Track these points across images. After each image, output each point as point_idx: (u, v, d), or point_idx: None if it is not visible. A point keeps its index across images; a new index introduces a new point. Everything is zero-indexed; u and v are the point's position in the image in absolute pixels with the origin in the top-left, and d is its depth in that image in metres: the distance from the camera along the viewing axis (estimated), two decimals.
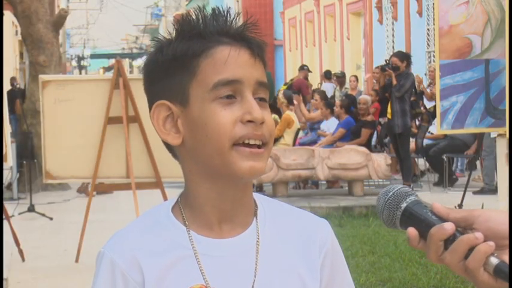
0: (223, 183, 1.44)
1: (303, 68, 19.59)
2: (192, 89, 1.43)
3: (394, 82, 12.20)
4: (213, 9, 1.46)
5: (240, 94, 1.42)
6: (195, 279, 1.43)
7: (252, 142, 1.42)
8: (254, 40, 1.46)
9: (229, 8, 1.48)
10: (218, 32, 1.44)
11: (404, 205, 1.32)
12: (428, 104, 14.48)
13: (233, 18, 1.46)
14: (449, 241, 1.27)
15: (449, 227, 1.27)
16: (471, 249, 1.25)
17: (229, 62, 1.42)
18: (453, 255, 1.26)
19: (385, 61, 13.20)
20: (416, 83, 13.84)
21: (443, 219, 1.29)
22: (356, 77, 18.54)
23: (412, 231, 1.30)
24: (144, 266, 1.43)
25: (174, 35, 1.47)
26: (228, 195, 1.46)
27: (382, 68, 13.05)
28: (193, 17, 1.46)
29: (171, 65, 1.45)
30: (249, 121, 1.41)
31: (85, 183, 12.32)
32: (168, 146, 1.51)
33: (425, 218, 1.30)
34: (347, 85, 18.78)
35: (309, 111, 15.73)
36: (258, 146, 1.42)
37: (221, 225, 1.47)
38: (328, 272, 1.53)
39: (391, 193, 1.34)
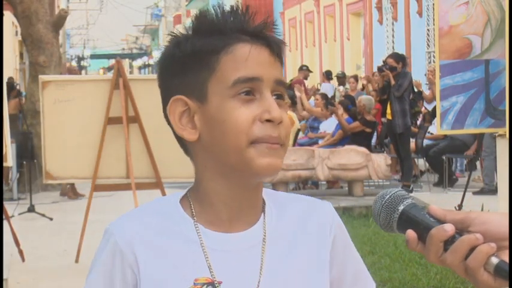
0: (236, 181, 1.44)
1: (303, 69, 19.60)
2: (210, 85, 1.43)
3: (393, 82, 12.23)
4: (232, 7, 1.46)
5: (259, 92, 1.42)
6: (201, 271, 1.44)
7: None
8: (273, 39, 1.46)
9: (248, 6, 1.48)
10: (238, 30, 1.44)
11: (401, 207, 1.33)
12: (429, 107, 14.48)
13: (252, 17, 1.46)
14: (448, 242, 1.28)
15: (449, 228, 1.28)
16: (471, 250, 1.26)
17: (250, 59, 1.42)
18: (454, 255, 1.27)
19: (382, 62, 13.22)
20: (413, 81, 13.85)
21: (440, 221, 1.30)
22: (356, 77, 18.56)
23: (411, 233, 1.31)
24: (138, 254, 1.44)
25: (191, 30, 1.46)
26: (239, 194, 1.46)
27: (379, 69, 13.07)
28: (212, 14, 1.46)
29: (189, 61, 1.44)
30: (268, 120, 1.41)
31: (68, 185, 12.35)
32: (181, 142, 1.50)
33: (423, 220, 1.31)
34: (347, 85, 18.79)
35: None
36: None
37: (230, 221, 1.47)
38: (341, 251, 1.55)
39: (388, 196, 1.34)
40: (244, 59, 1.42)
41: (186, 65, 1.45)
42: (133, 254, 1.44)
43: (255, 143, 1.40)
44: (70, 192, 12.46)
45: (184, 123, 1.45)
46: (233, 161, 1.42)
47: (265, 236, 1.48)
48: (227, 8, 1.47)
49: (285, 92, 1.47)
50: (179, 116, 1.46)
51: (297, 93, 14.01)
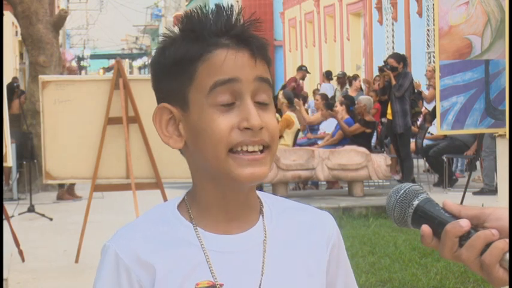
0: (226, 185, 1.44)
1: (302, 69, 19.60)
2: (191, 94, 1.42)
3: (393, 82, 12.23)
4: (216, 7, 1.44)
5: (239, 97, 1.40)
6: (203, 274, 1.43)
7: (250, 149, 1.40)
8: (254, 40, 1.43)
9: (231, 5, 1.46)
10: (217, 34, 1.42)
11: (416, 202, 1.32)
12: (429, 107, 14.47)
13: (235, 17, 1.43)
14: (463, 238, 1.28)
15: (465, 223, 1.28)
16: (487, 246, 1.26)
17: (226, 63, 1.40)
18: (470, 251, 1.27)
19: (383, 62, 13.22)
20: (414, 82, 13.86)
21: (455, 217, 1.30)
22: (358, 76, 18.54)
23: (426, 228, 1.30)
24: (148, 263, 1.43)
25: (176, 34, 1.45)
26: (232, 197, 1.45)
27: (381, 69, 13.06)
28: (195, 17, 1.44)
29: (172, 69, 1.44)
30: (247, 128, 1.39)
31: (62, 189, 12.35)
32: None
33: (438, 216, 1.31)
34: (347, 86, 18.78)
35: (306, 110, 15.75)
36: (260, 151, 1.41)
37: (228, 223, 1.47)
38: (335, 264, 1.54)
39: (403, 191, 1.34)
40: (220, 64, 1.40)
41: (169, 73, 1.44)
42: (140, 267, 1.43)
43: (234, 152, 1.39)
44: (66, 194, 12.44)
45: (170, 131, 1.45)
46: (215, 170, 1.41)
47: (265, 237, 1.48)
48: (225, 7, 1.44)
49: (270, 90, 1.44)
50: (165, 124, 1.46)
51: (296, 107, 13.85)
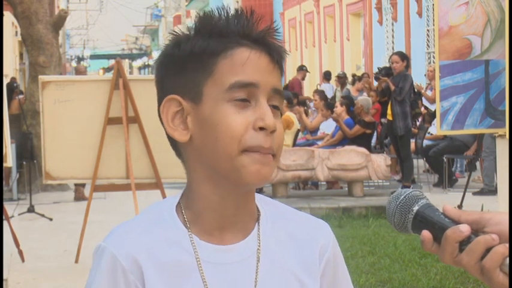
0: (226, 186, 1.42)
1: (302, 69, 19.60)
2: (206, 87, 1.41)
3: (392, 88, 12.16)
4: (236, 10, 1.44)
5: (255, 98, 1.40)
6: (195, 284, 1.42)
7: (262, 151, 1.40)
8: (274, 46, 1.44)
9: (253, 10, 1.46)
10: (239, 34, 1.42)
11: (416, 208, 1.33)
12: (432, 107, 14.44)
13: (255, 22, 1.44)
14: (463, 243, 1.28)
15: (465, 228, 1.28)
16: (487, 250, 1.26)
17: (248, 64, 1.40)
18: (470, 256, 1.27)
19: (377, 68, 13.21)
20: (414, 84, 13.85)
21: (455, 222, 1.30)
22: (368, 75, 18.50)
23: (426, 234, 1.31)
24: (144, 267, 1.41)
25: (193, 31, 1.45)
26: (230, 200, 1.44)
27: (376, 77, 13.05)
28: (216, 15, 1.44)
29: (187, 61, 1.43)
30: (261, 128, 1.39)
31: (81, 189, 12.32)
32: (173, 144, 1.47)
33: (438, 221, 1.31)
34: (348, 86, 18.78)
35: (306, 111, 15.73)
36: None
37: (222, 231, 1.45)
38: (330, 280, 1.53)
39: (403, 196, 1.34)
40: (242, 63, 1.40)
41: (184, 66, 1.43)
42: (138, 269, 1.41)
43: (246, 151, 1.38)
44: (84, 195, 12.34)
45: (176, 124, 1.44)
46: (223, 167, 1.40)
47: (259, 247, 1.46)
48: (231, 11, 1.45)
49: (281, 103, 1.45)
50: (172, 116, 1.44)
51: (297, 116, 13.88)
